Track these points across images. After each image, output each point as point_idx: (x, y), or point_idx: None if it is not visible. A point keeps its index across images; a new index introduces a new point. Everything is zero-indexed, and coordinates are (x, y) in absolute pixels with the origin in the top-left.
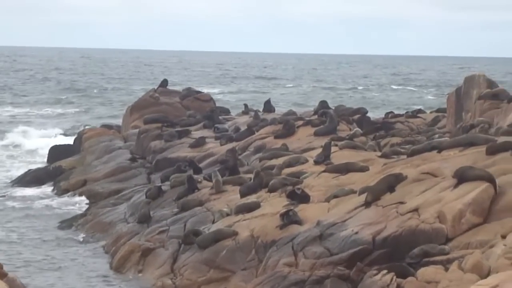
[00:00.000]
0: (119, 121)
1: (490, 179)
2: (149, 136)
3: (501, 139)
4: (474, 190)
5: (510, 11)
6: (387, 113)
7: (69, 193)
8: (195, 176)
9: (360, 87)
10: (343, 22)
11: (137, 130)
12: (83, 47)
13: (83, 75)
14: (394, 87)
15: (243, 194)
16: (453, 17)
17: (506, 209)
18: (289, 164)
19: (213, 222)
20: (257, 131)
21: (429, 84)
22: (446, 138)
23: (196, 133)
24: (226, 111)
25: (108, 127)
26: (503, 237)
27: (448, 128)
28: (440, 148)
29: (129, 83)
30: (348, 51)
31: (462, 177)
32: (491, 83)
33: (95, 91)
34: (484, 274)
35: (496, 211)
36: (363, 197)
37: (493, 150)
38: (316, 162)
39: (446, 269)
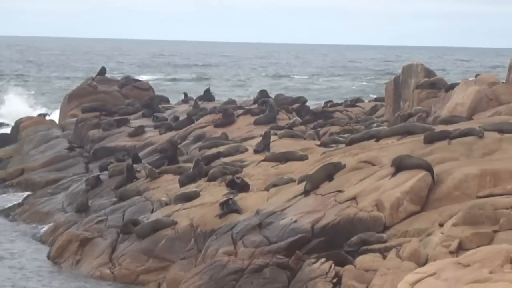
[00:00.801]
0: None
1: (428, 168)
2: (87, 125)
3: (439, 127)
4: (412, 179)
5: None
6: (326, 102)
7: (6, 183)
8: (134, 166)
9: (298, 76)
10: (284, 11)
11: (75, 119)
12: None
13: (16, 62)
14: (333, 77)
15: (182, 184)
16: (388, 7)
17: (443, 198)
18: (228, 153)
19: (152, 211)
20: (197, 120)
21: (367, 73)
22: (384, 127)
23: (135, 122)
24: (166, 100)
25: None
26: (441, 225)
27: (386, 117)
28: (378, 137)
29: (66, 72)
30: (290, 40)
31: (400, 165)
32: (428, 72)
33: (30, 79)
34: (421, 262)
35: (434, 199)
36: (302, 186)
37: (431, 139)
38: (256, 151)
39: (384, 257)
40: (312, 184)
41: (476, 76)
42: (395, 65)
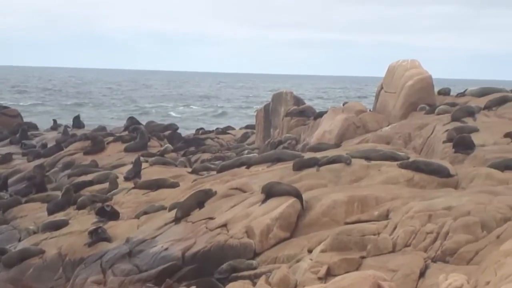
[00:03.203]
0: None
1: (297, 194)
2: None
3: (308, 154)
4: (281, 205)
5: (315, 30)
6: (198, 129)
7: None
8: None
9: (170, 105)
10: (151, 37)
11: None
12: None
13: None
14: (202, 106)
15: (50, 212)
16: (260, 34)
17: (312, 224)
18: (98, 181)
19: (20, 240)
20: (66, 147)
21: (237, 101)
22: (255, 154)
23: (2, 149)
24: (34, 127)
25: None
26: (309, 251)
27: (257, 144)
28: (249, 164)
29: None
30: (155, 67)
31: (269, 192)
32: (298, 100)
33: None
34: None
35: (303, 225)
36: (173, 213)
37: (300, 165)
38: (126, 179)
39: (254, 284)
40: (183, 211)
41: (344, 104)
42: (266, 94)
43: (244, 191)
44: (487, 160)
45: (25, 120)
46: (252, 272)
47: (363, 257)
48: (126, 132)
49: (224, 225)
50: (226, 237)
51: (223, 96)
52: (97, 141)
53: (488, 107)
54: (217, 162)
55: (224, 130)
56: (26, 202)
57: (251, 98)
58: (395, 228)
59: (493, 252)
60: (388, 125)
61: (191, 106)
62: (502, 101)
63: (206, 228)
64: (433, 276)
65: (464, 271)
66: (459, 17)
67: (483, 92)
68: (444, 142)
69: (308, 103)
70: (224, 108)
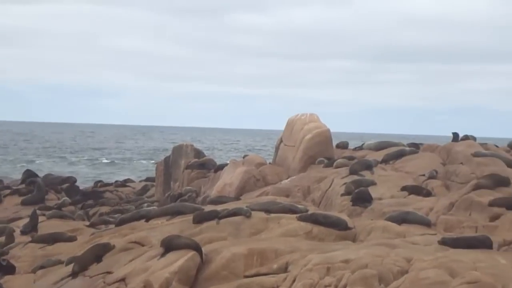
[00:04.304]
0: None
1: (196, 247)
2: None
3: (208, 207)
4: (181, 259)
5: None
6: (96, 182)
7: None
8: None
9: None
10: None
11: None
12: None
13: None
14: (104, 159)
15: None
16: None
17: (212, 277)
18: None
19: None
20: None
21: (140, 153)
22: (155, 207)
23: None
24: None
25: None
26: None
27: (157, 197)
28: (148, 217)
29: None
30: (51, 119)
31: (169, 245)
32: (198, 153)
33: None
34: None
35: (203, 279)
36: (70, 268)
37: (200, 218)
38: (23, 232)
39: None
40: (80, 265)
41: (244, 157)
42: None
43: (143, 245)
44: (384, 213)
45: None
46: None
47: None
48: (23, 185)
49: (123, 279)
50: None
51: (122, 147)
52: None
53: (385, 160)
54: (115, 215)
55: (123, 183)
56: None
57: (150, 151)
58: (294, 281)
59: None
60: (287, 178)
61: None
62: (398, 155)
63: (104, 282)
64: None
65: None
66: (356, 72)
67: (380, 146)
68: (342, 195)
69: (208, 155)
70: (125, 159)
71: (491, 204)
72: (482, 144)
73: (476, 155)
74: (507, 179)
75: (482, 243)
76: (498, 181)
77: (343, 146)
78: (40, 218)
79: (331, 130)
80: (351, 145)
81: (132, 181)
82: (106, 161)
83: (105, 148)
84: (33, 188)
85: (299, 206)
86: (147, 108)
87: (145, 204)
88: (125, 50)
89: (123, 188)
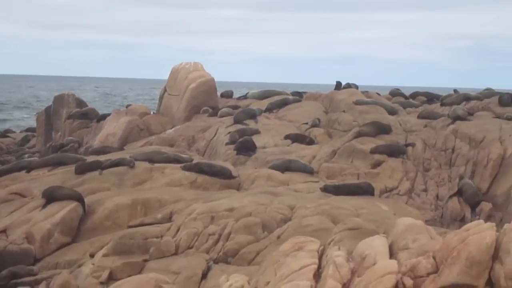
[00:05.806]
0: None
1: (79, 198)
2: None
3: (90, 158)
4: (63, 210)
5: (98, 31)
6: None
7: None
8: None
9: None
10: None
11: None
12: None
13: None
14: None
15: None
16: (48, 36)
17: (95, 228)
18: None
19: None
20: None
21: (21, 104)
22: (36, 158)
23: None
24: None
25: None
26: (92, 256)
27: (38, 147)
28: (29, 168)
29: None
30: None
31: (50, 196)
32: (80, 102)
33: None
34: None
35: (85, 230)
36: None
37: (82, 169)
38: None
39: None
40: None
41: (127, 107)
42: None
43: (24, 196)
44: (268, 162)
45: None
46: (32, 278)
47: (146, 260)
48: None
49: (3, 231)
50: (5, 243)
51: None
52: None
53: (269, 109)
54: None
55: (4, 133)
56: None
57: (32, 99)
58: (178, 230)
59: (273, 252)
60: (172, 128)
61: None
62: (282, 104)
63: None
64: (215, 277)
65: (245, 272)
66: (241, 21)
67: (264, 95)
68: (226, 144)
69: (91, 105)
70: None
71: (373, 151)
72: (363, 92)
73: (357, 103)
74: (388, 126)
75: (364, 190)
76: (379, 129)
77: (227, 95)
78: None
79: (216, 79)
80: (236, 94)
81: (12, 131)
82: None
83: None
84: None
85: (184, 155)
86: (32, 57)
87: (26, 155)
88: None
89: (3, 139)
